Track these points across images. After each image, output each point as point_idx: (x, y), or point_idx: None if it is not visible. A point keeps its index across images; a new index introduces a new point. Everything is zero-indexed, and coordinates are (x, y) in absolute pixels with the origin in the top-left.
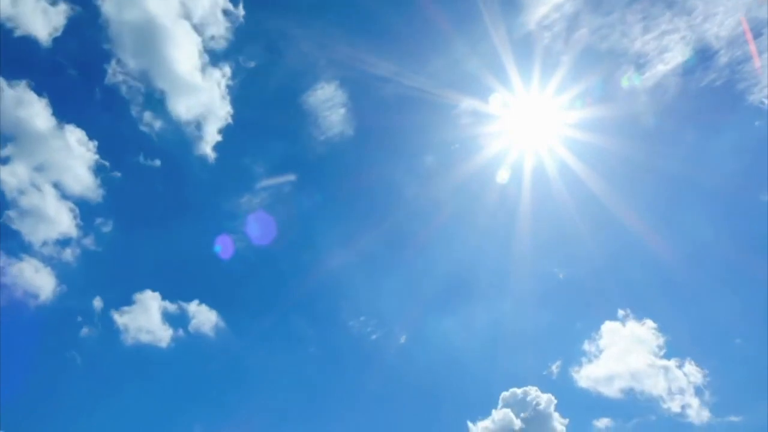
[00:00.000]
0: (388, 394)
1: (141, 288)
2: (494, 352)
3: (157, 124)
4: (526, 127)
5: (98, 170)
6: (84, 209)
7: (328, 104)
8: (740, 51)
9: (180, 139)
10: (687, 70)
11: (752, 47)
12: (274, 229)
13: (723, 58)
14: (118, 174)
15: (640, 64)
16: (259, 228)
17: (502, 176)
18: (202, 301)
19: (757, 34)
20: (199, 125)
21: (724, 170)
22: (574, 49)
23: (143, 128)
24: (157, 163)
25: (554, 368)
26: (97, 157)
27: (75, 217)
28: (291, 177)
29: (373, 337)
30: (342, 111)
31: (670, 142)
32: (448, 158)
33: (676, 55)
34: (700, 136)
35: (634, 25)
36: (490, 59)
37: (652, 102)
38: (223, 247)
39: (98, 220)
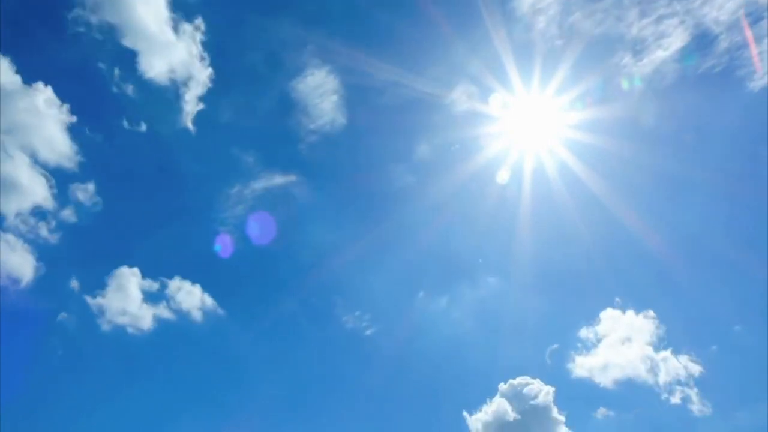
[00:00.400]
0: (385, 385)
1: (120, 264)
2: (493, 343)
3: (131, 87)
4: (526, 127)
5: (73, 135)
6: (59, 177)
7: (319, 91)
8: (740, 36)
9: (158, 103)
10: (685, 56)
11: (747, 32)
12: (269, 221)
13: (723, 44)
14: (94, 139)
15: (637, 50)
16: (253, 222)
17: (502, 176)
18: (184, 278)
19: (757, 18)
20: (177, 89)
21: (723, 164)
22: (569, 34)
23: (115, 89)
24: (136, 128)
25: (553, 359)
26: (71, 119)
27: (51, 187)
28: (280, 158)
29: (368, 332)
30: (334, 98)
31: (667, 135)
32: (446, 154)
33: (675, 40)
34: (698, 128)
35: (630, 9)
36: (484, 45)
37: (649, 89)
38: (221, 243)
39: (75, 189)
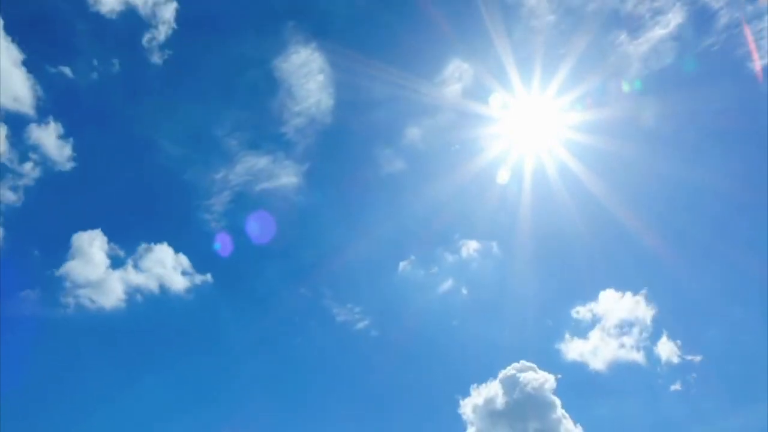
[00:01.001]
0: (378, 370)
1: (86, 228)
2: (490, 327)
3: (84, 25)
4: (525, 127)
5: (28, 74)
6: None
7: (305, 69)
8: (740, 12)
9: (117, 43)
10: (683, 34)
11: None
12: (253, 205)
13: (722, 20)
14: (52, 81)
15: (633, 28)
16: (235, 207)
17: (502, 177)
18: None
19: None
20: (137, 29)
21: (724, 161)
22: (560, 10)
23: (65, 27)
24: (95, 72)
25: (550, 343)
26: (22, 55)
27: (7, 136)
28: (262, 138)
29: (360, 324)
30: (324, 85)
31: (666, 131)
32: (438, 140)
33: (673, 17)
34: (696, 118)
35: None
36: (472, 20)
37: (645, 69)
38: (222, 243)
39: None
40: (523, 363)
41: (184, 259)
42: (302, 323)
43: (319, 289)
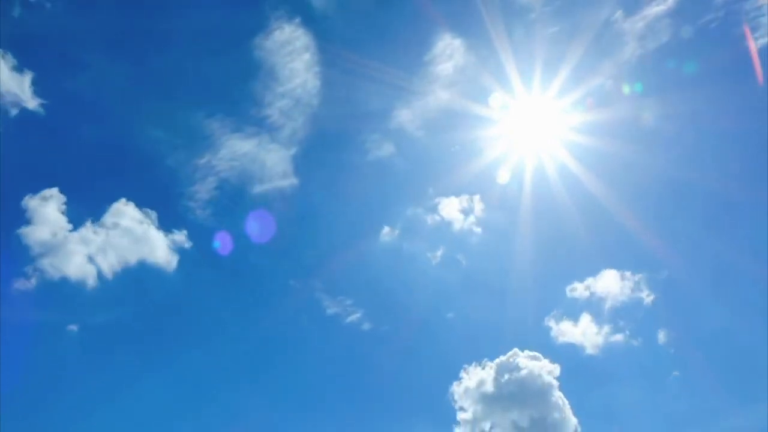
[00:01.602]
0: (376, 354)
1: (40, 189)
2: (489, 314)
3: None
4: (525, 128)
5: None
6: None
7: (288, 48)
8: None
9: None
10: (680, 10)
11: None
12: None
13: None
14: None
15: (629, 4)
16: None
17: (503, 177)
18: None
19: None
20: None
21: (724, 163)
22: None
23: None
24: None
25: (546, 327)
26: None
27: None
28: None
29: (351, 318)
30: (309, 65)
31: (665, 128)
32: (429, 126)
33: None
34: (696, 114)
35: None
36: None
37: (639, 48)
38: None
39: None
40: (527, 352)
41: (154, 218)
42: (279, 289)
43: (310, 279)
